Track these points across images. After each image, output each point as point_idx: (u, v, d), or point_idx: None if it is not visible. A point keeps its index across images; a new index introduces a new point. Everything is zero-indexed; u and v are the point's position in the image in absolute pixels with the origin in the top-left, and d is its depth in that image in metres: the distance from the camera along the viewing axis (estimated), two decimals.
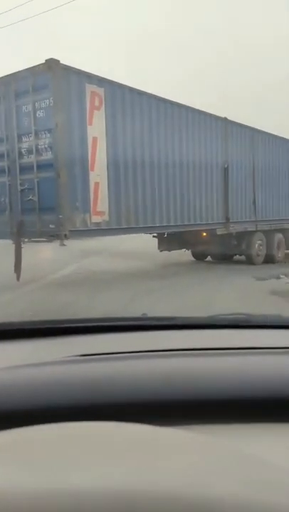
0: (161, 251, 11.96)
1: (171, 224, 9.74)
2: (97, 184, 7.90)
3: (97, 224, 8.00)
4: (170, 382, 0.88)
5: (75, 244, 8.26)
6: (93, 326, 1.31)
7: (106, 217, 8.11)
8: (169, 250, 11.92)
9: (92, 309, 6.16)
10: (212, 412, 0.82)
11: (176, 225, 9.90)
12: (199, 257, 12.70)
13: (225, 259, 12.52)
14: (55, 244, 9.74)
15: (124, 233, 8.91)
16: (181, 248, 11.91)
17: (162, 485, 0.43)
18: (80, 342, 1.20)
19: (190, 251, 12.53)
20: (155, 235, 11.50)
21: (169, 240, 11.61)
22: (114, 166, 8.23)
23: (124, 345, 1.11)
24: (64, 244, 8.48)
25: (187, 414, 0.80)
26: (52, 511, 0.39)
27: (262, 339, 1.27)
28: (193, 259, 12.77)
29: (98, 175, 7.93)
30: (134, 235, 9.89)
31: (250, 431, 0.79)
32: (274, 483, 0.48)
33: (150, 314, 1.71)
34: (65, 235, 7.47)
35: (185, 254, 12.56)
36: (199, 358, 1.02)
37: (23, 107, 7.62)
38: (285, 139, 13.87)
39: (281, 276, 9.77)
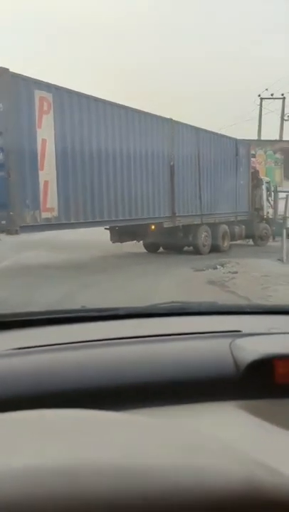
0: (113, 242, 12.69)
1: (120, 218, 10.51)
2: (46, 182, 8.55)
3: (47, 219, 8.66)
4: (112, 370, 0.92)
5: (12, 238, 8.41)
6: (31, 320, 1.28)
7: (55, 213, 8.78)
8: (121, 242, 12.66)
9: (26, 305, 5.77)
10: (155, 396, 0.87)
11: (124, 219, 10.68)
12: (151, 248, 13.42)
13: (175, 250, 13.25)
14: None
15: (74, 228, 9.60)
16: (132, 240, 12.67)
17: (101, 458, 0.46)
18: (18, 336, 1.19)
19: (142, 243, 13.26)
20: (107, 227, 12.23)
21: (120, 233, 12.35)
22: (62, 166, 8.87)
23: (64, 337, 1.10)
24: None
25: (132, 399, 0.84)
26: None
27: (198, 325, 1.31)
28: (145, 250, 13.39)
29: (47, 174, 8.57)
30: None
31: (192, 411, 0.86)
32: (204, 448, 0.52)
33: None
34: (16, 231, 8.10)
35: (136, 246, 13.12)
36: (140, 345, 1.06)
37: None
38: (228, 137, 14.81)
39: (218, 266, 10.26)
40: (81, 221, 9.44)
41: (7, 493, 0.40)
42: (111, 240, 12.65)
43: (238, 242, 15.51)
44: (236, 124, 28.33)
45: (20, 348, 1.00)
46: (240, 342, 1.04)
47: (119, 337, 1.09)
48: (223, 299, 6.94)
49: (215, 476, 0.47)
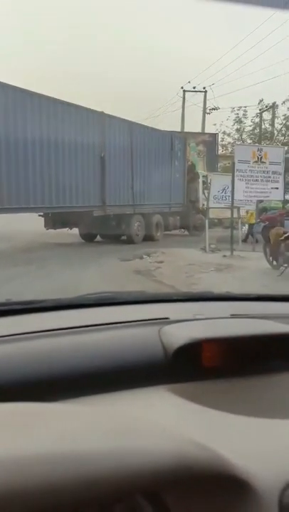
0: (47, 229, 13.15)
1: (46, 205, 10.99)
2: None
3: None
4: (42, 362, 0.93)
5: None
6: None
7: None
8: (54, 229, 13.14)
9: None
10: (86, 385, 0.89)
11: (52, 207, 11.18)
12: (87, 238, 13.83)
13: (111, 239, 13.66)
14: None
15: None
16: (64, 227, 13.17)
17: (37, 448, 0.48)
18: None
19: (78, 233, 13.69)
20: (41, 214, 12.69)
21: (53, 219, 12.84)
22: None
23: None
24: None
25: (63, 390, 0.86)
26: None
27: (127, 314, 1.32)
28: (74, 240, 13.60)
29: None
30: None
31: (123, 397, 0.88)
32: (134, 430, 0.55)
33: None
34: None
35: (71, 237, 13.36)
36: (69, 336, 1.06)
37: None
38: (163, 131, 15.47)
39: (144, 256, 10.49)
40: (5, 207, 9.88)
41: None
42: (45, 226, 13.09)
43: (174, 232, 16.26)
44: (160, 116, 28.99)
45: None
46: (168, 328, 1.08)
47: (47, 329, 1.08)
48: (150, 287, 7.07)
49: (146, 455, 0.49)
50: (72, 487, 0.45)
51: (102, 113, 12.32)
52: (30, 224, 12.87)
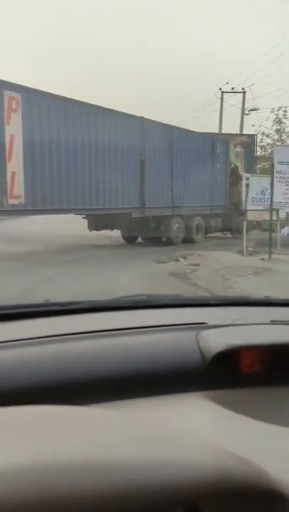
0: (90, 230, 13.77)
1: (86, 207, 11.53)
2: (13, 173, 9.65)
3: (14, 206, 9.79)
4: (78, 365, 0.95)
5: None
6: None
7: (22, 200, 9.89)
8: (97, 230, 13.73)
9: None
10: (122, 389, 0.89)
11: (92, 208, 11.71)
12: (129, 240, 14.30)
13: (152, 240, 13.95)
14: None
15: (40, 214, 10.73)
16: (106, 229, 13.70)
17: (67, 454, 0.46)
18: None
19: (121, 235, 14.17)
20: (84, 216, 13.31)
21: (95, 222, 13.43)
22: (30, 158, 9.96)
23: (27, 332, 1.07)
24: None
25: (98, 393, 0.86)
26: None
27: (163, 317, 1.31)
28: (120, 242, 14.14)
29: (15, 165, 9.67)
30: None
31: (159, 402, 0.88)
32: (173, 440, 0.53)
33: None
34: None
35: (110, 239, 13.85)
36: (105, 339, 1.07)
37: None
38: (204, 134, 15.61)
39: (180, 258, 10.48)
40: (48, 208, 10.53)
41: None
42: (88, 228, 13.71)
43: (216, 234, 16.31)
44: (199, 117, 28.75)
45: None
46: (206, 334, 1.06)
47: (84, 331, 1.08)
48: (185, 290, 7.08)
49: (185, 467, 0.47)
50: (105, 498, 0.43)
51: (142, 118, 12.73)
52: (71, 227, 13.46)
